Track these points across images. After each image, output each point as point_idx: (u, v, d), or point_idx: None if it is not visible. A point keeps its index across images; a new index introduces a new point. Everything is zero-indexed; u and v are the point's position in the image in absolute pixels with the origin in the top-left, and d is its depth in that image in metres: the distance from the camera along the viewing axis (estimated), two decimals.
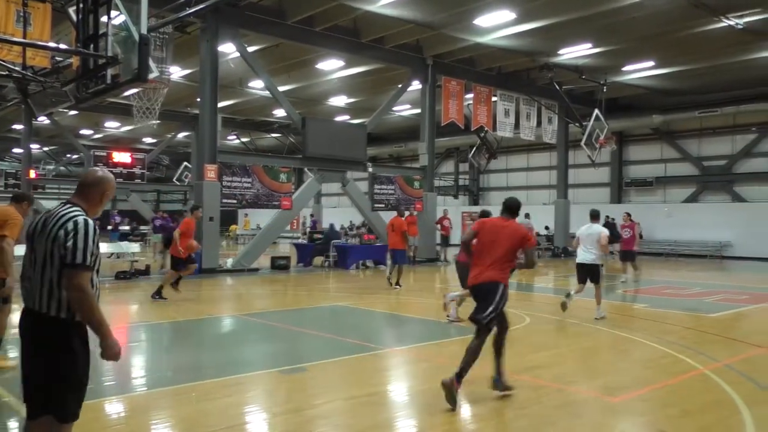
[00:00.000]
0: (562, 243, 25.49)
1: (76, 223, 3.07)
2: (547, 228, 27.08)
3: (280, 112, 29.40)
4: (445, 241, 22.96)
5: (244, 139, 39.72)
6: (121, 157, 27.95)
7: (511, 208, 5.78)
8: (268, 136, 37.15)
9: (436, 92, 21.40)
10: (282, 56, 20.80)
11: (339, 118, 30.37)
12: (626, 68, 22.32)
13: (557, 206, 26.52)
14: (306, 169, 20.75)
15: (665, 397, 5.64)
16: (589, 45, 19.66)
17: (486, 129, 23.29)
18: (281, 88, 21.65)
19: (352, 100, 28.10)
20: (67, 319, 3.09)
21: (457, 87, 21.43)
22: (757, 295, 13.35)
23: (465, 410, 5.44)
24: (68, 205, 3.21)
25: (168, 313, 10.10)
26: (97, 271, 3.19)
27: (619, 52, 20.30)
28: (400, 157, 38.48)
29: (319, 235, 21.11)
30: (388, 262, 19.39)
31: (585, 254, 9.95)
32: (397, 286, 13.72)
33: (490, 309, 5.39)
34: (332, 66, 22.10)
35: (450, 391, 5.13)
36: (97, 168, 3.49)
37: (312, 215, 34.49)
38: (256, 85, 23.70)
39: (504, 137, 24.50)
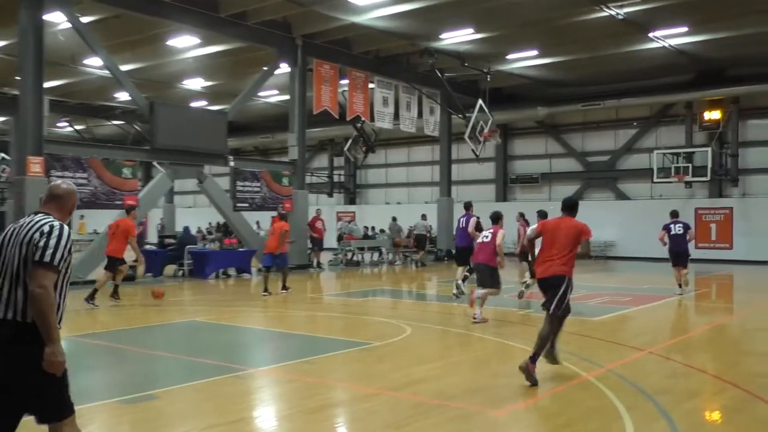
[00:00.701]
0: (446, 245, 25.94)
1: (52, 227, 3.43)
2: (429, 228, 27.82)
3: (123, 96, 28.03)
4: (318, 245, 22.84)
5: (78, 127, 37.60)
6: None
7: (568, 206, 7.25)
8: (109, 123, 35.40)
9: (307, 77, 21.39)
10: (125, 29, 19.84)
11: (195, 104, 29.63)
12: (510, 56, 23.55)
13: (440, 205, 27.30)
14: (155, 163, 19.93)
15: (549, 407, 6.04)
16: (471, 30, 20.53)
17: (363, 119, 23.63)
18: (124, 67, 20.68)
19: (210, 83, 27.47)
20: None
21: (330, 71, 21.54)
22: (640, 296, 14.60)
23: None
24: (40, 215, 3.54)
25: None
26: (68, 281, 3.51)
27: (501, 38, 21.38)
28: (267, 150, 38.09)
29: (171, 240, 20.41)
30: (253, 269, 19.26)
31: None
32: (281, 291, 14.59)
33: (557, 299, 6.77)
34: (186, 43, 21.45)
35: (528, 373, 6.50)
36: (60, 181, 3.85)
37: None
38: (94, 63, 22.46)
39: (383, 129, 24.98)
